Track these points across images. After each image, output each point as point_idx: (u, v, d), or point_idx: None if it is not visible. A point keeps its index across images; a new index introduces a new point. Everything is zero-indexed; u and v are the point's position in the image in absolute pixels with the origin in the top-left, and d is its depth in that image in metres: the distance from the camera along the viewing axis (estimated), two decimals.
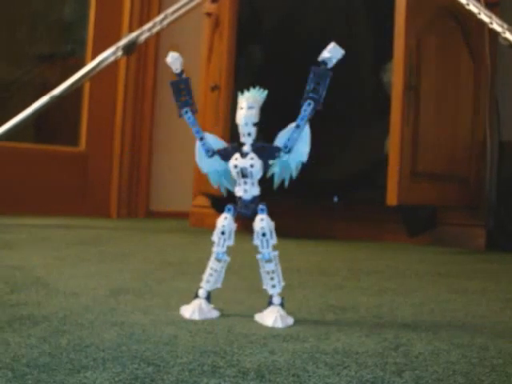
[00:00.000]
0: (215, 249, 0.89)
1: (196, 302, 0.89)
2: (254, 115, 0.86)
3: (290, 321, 0.87)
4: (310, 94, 0.85)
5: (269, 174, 0.89)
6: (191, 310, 0.88)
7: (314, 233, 2.45)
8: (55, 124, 3.22)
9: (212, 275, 0.90)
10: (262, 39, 2.57)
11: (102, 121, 3.18)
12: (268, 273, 0.88)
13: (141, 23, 2.95)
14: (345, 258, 1.86)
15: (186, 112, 0.91)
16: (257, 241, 0.87)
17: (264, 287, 0.88)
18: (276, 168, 0.89)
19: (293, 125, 0.87)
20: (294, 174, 0.88)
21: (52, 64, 3.38)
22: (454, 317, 0.99)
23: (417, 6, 2.11)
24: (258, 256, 0.88)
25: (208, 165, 0.91)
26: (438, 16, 2.21)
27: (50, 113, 2.45)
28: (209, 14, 2.71)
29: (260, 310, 0.89)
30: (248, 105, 0.86)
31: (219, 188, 0.92)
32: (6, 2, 3.18)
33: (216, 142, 0.91)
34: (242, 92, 0.88)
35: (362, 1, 2.49)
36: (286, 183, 0.89)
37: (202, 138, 0.90)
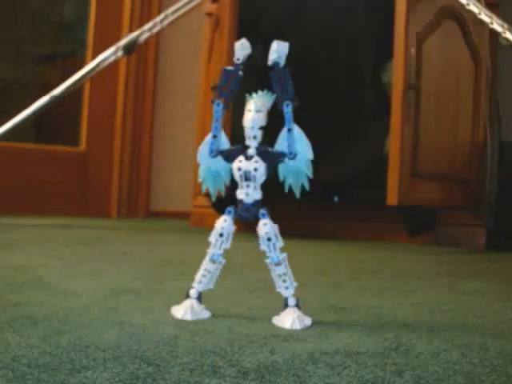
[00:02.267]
0: (211, 250, 0.89)
1: (187, 303, 0.89)
2: (262, 119, 0.85)
3: (308, 321, 0.87)
4: (283, 97, 0.85)
5: (285, 188, 0.88)
6: (183, 311, 0.87)
7: (314, 233, 2.45)
8: (56, 124, 3.23)
9: (205, 276, 0.89)
10: (262, 39, 2.57)
11: (102, 121, 3.19)
12: (280, 276, 0.87)
13: (141, 23, 2.96)
14: (345, 258, 1.86)
15: (219, 104, 0.89)
16: (263, 246, 0.87)
17: (277, 290, 0.88)
18: (289, 178, 0.88)
19: (284, 131, 0.87)
20: (310, 173, 0.88)
21: (52, 64, 3.38)
22: (454, 317, 0.99)
23: (417, 6, 2.11)
24: (267, 260, 0.87)
25: (204, 160, 0.91)
26: (438, 16, 2.21)
27: (50, 113, 2.45)
28: (209, 14, 2.71)
29: (277, 313, 0.88)
30: (256, 108, 0.85)
31: (202, 185, 0.92)
32: (7, 2, 3.19)
33: (226, 144, 0.90)
34: (251, 94, 0.87)
35: (362, 0, 2.49)
36: (307, 186, 0.89)
37: (215, 136, 0.89)
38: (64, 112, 3.15)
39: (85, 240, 1.93)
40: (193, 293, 0.89)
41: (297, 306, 0.87)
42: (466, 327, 0.91)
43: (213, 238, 0.88)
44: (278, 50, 0.86)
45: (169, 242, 2.08)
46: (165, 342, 0.73)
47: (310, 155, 0.87)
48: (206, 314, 0.89)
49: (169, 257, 1.62)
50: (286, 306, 0.87)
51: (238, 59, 0.88)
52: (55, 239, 1.93)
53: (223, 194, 0.91)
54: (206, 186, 0.91)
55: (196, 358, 0.67)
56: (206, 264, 0.89)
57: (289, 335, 0.80)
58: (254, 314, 0.92)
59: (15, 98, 3.21)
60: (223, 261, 0.89)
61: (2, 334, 0.74)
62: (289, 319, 0.85)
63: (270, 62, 0.86)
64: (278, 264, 0.87)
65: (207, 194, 2.53)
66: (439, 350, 0.76)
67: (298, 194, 0.88)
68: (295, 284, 0.88)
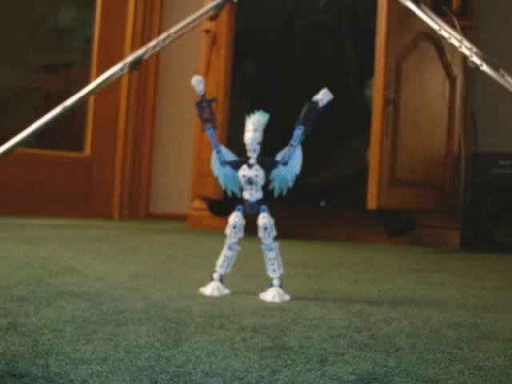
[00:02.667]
0: (228, 240, 1.13)
1: (213, 283, 1.12)
2: (259, 136, 1.09)
3: (287, 297, 1.10)
4: (302, 122, 1.09)
5: (270, 187, 1.12)
6: (211, 289, 1.12)
7: (300, 234, 2.67)
8: (62, 131, 3.43)
9: (225, 261, 1.13)
10: (256, 55, 2.79)
11: (105, 128, 3.41)
12: (270, 259, 1.11)
13: (143, 34, 3.19)
14: (328, 255, 2.08)
15: (208, 128, 1.14)
16: (261, 234, 1.11)
17: (267, 273, 1.11)
18: (276, 182, 1.12)
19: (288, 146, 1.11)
20: (290, 184, 1.12)
21: (54, 74, 3.57)
22: (412, 298, 1.21)
23: (396, 29, 2.33)
24: (262, 246, 1.11)
25: (220, 171, 1.14)
26: (416, 38, 2.44)
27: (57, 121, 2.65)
28: (207, 31, 2.93)
29: (263, 291, 1.11)
30: (254, 128, 1.09)
31: (226, 190, 1.15)
32: (9, 11, 3.38)
33: (228, 154, 1.14)
34: (249, 114, 1.10)
35: (348, 20, 2.71)
36: (284, 193, 1.12)
37: (218, 152, 1.13)
38: (69, 120, 3.35)
39: (96, 237, 2.15)
40: (216, 276, 1.13)
41: (280, 286, 1.10)
42: (420, 306, 1.13)
43: (228, 230, 1.13)
44: (323, 94, 1.11)
45: (170, 240, 2.30)
46: (181, 309, 0.95)
47: (298, 171, 1.11)
48: (227, 291, 1.13)
49: (172, 252, 1.83)
50: (270, 285, 1.11)
51: (200, 91, 1.14)
52: (69, 237, 2.14)
53: (238, 195, 1.14)
54: (230, 190, 1.14)
55: (206, 319, 0.89)
56: (225, 251, 1.13)
57: (277, 307, 1.02)
58: (251, 293, 1.14)
59: (18, 107, 3.41)
60: (239, 248, 1.14)
61: (55, 302, 0.95)
62: (270, 294, 1.10)
63: (314, 98, 1.10)
64: (270, 249, 1.11)
65: (204, 198, 2.72)
66: (392, 319, 0.98)
67: (275, 195, 1.12)
68: (282, 270, 1.11)
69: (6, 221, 2.59)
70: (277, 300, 1.08)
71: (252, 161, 1.11)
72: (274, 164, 1.11)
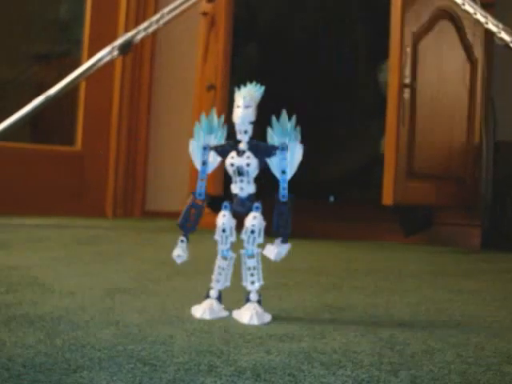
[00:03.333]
0: (219, 247, 0.89)
1: (207, 302, 0.89)
2: (251, 114, 0.86)
3: (267, 318, 0.87)
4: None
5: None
6: (202, 310, 0.88)
7: (310, 233, 2.45)
8: (51, 124, 3.22)
9: (221, 274, 0.90)
10: (257, 38, 2.57)
11: (98, 120, 3.18)
12: (249, 269, 0.88)
13: (137, 22, 2.95)
14: (341, 258, 1.86)
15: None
16: (244, 236, 0.88)
17: (243, 284, 0.89)
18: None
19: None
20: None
21: (47, 64, 3.37)
22: (449, 316, 0.99)
23: (413, 6, 2.11)
24: (242, 251, 0.88)
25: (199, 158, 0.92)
26: (434, 16, 2.21)
27: (46, 112, 2.45)
28: (205, 14, 2.70)
29: (238, 307, 0.89)
30: (245, 104, 0.86)
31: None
32: (2, 1, 3.18)
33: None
34: (239, 88, 0.88)
35: (358, 0, 2.49)
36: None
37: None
38: (60, 111, 3.14)
39: (80, 240, 1.93)
40: (212, 293, 0.90)
41: (258, 302, 0.88)
42: (461, 327, 0.91)
43: (217, 235, 0.89)
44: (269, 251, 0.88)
45: (164, 241, 2.08)
46: (160, 341, 0.73)
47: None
48: (225, 314, 0.89)
49: (164, 256, 1.61)
50: (247, 300, 0.88)
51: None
52: (51, 239, 1.92)
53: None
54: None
55: (192, 357, 0.67)
56: (218, 262, 0.90)
57: (284, 335, 0.80)
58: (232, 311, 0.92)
59: (10, 97, 3.21)
60: (233, 255, 0.90)
61: None
62: (247, 314, 0.86)
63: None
64: (250, 257, 0.88)
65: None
66: (434, 350, 0.76)
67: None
68: (262, 282, 0.88)
69: None
70: (255, 322, 0.85)
71: (242, 145, 0.87)
72: (272, 149, 0.87)
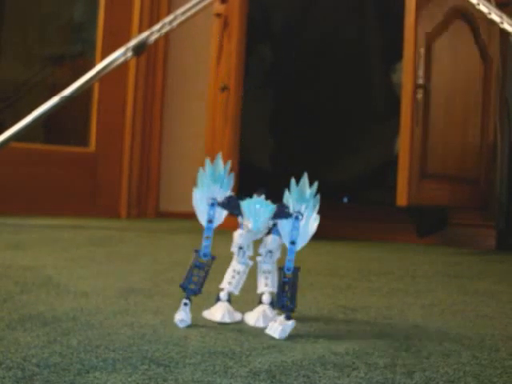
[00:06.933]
0: (235, 257, 0.89)
1: (222, 306, 0.87)
2: (265, 230, 0.86)
3: (238, 316, 0.87)
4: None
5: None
6: (221, 314, 0.86)
7: (323, 233, 2.45)
8: (65, 125, 3.23)
9: (234, 277, 0.88)
10: (271, 39, 2.57)
11: (111, 121, 3.19)
12: (264, 272, 0.88)
13: (151, 23, 2.96)
14: (355, 259, 1.85)
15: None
16: (262, 251, 0.87)
17: (258, 286, 0.89)
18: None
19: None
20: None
21: (62, 65, 3.39)
22: (464, 318, 0.98)
23: (427, 6, 2.10)
24: (259, 258, 0.88)
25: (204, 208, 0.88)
26: (448, 16, 2.20)
27: (60, 114, 2.46)
28: (218, 15, 2.71)
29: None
30: (257, 232, 0.85)
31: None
32: (17, 3, 3.20)
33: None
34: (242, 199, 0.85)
35: (372, 1, 2.49)
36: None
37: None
38: (74, 113, 3.16)
39: (95, 241, 1.94)
40: (223, 295, 0.88)
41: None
42: (476, 328, 0.90)
43: (234, 249, 0.88)
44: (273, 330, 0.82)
45: (178, 242, 2.08)
46: (174, 342, 0.73)
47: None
48: (239, 317, 0.88)
49: (178, 257, 1.62)
50: (259, 302, 0.88)
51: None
52: (65, 240, 1.93)
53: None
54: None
55: (206, 358, 0.67)
56: (234, 265, 0.88)
57: (298, 336, 0.80)
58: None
59: (25, 98, 3.22)
60: (250, 262, 0.88)
61: (13, 333, 0.74)
62: (254, 316, 0.86)
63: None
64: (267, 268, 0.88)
65: None
66: (449, 351, 0.75)
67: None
68: (275, 289, 0.86)
69: None
70: (260, 324, 0.84)
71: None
72: (283, 211, 0.84)
